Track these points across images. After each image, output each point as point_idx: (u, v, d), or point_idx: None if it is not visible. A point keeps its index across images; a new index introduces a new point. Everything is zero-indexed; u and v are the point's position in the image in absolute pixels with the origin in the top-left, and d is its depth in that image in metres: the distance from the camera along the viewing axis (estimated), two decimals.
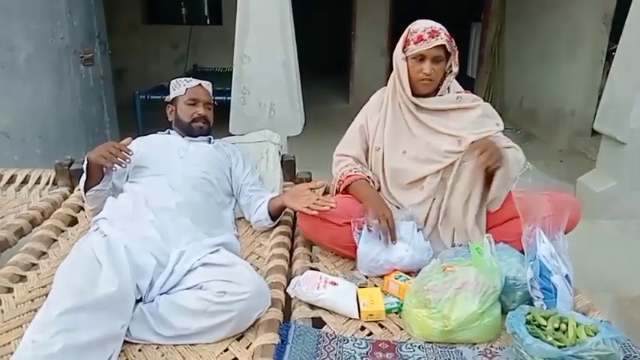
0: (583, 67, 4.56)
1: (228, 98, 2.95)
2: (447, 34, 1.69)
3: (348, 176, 1.82)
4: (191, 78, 2.09)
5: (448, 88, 1.79)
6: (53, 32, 3.05)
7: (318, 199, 1.73)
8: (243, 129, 2.79)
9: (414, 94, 1.76)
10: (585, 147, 4.50)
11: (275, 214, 1.92)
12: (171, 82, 2.08)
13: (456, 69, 1.74)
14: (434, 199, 1.76)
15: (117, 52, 4.42)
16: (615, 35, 3.62)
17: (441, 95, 1.78)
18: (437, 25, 1.70)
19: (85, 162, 1.74)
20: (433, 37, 1.66)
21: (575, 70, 4.64)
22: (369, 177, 1.82)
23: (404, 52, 1.74)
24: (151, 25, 6.52)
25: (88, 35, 3.28)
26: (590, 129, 4.15)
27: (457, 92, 1.80)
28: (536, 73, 5.29)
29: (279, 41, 2.79)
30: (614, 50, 3.21)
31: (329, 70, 7.72)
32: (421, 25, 1.71)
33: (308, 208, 1.72)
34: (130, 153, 1.68)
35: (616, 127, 3.06)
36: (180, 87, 2.03)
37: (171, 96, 2.06)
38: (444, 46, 1.67)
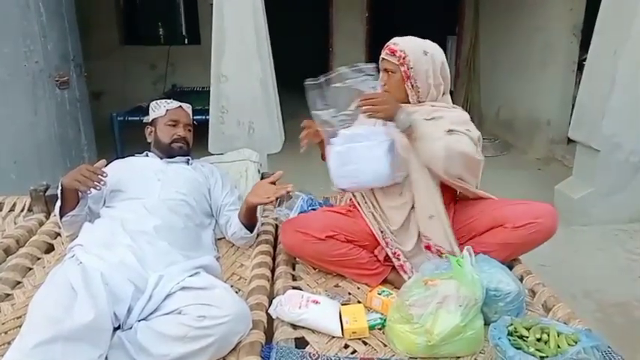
0: (556, 77, 4.67)
1: (207, 117, 2.94)
2: (394, 47, 1.73)
3: None
4: (171, 100, 2.09)
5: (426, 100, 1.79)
6: (27, 56, 3.02)
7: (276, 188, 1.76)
8: (222, 148, 2.78)
9: None
10: (562, 155, 4.58)
11: (247, 221, 1.89)
12: (151, 103, 2.07)
13: (407, 82, 1.73)
14: (413, 207, 1.75)
15: (94, 74, 4.39)
16: (586, 45, 3.72)
17: (419, 104, 1.77)
18: (395, 40, 1.77)
19: (60, 187, 1.71)
20: (383, 50, 1.78)
21: (549, 80, 4.74)
22: None
23: None
24: (128, 46, 6.50)
25: (63, 58, 3.25)
26: (566, 137, 4.24)
27: (432, 104, 1.78)
28: (511, 83, 5.39)
29: (255, 59, 2.80)
30: (585, 60, 3.29)
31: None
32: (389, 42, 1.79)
33: (268, 197, 1.74)
34: (105, 175, 1.65)
35: (590, 135, 3.13)
36: (160, 108, 2.02)
37: (151, 117, 2.05)
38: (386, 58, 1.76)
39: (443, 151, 1.58)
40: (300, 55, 8.22)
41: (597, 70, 3.09)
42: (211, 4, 2.80)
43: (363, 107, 1.58)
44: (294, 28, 8.01)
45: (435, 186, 1.70)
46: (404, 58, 1.72)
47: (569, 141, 4.04)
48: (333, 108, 1.64)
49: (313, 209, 2.08)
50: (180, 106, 2.04)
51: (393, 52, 1.74)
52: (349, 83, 1.60)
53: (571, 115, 3.43)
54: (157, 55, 6.38)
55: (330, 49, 6.49)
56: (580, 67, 4.31)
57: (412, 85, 1.74)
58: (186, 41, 6.85)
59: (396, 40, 1.77)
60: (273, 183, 1.85)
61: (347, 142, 1.64)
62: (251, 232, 1.92)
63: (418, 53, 1.73)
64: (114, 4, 6.32)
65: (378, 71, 1.75)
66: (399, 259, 1.74)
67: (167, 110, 2.01)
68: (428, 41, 1.80)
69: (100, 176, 1.64)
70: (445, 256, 1.64)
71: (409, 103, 1.78)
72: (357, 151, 1.63)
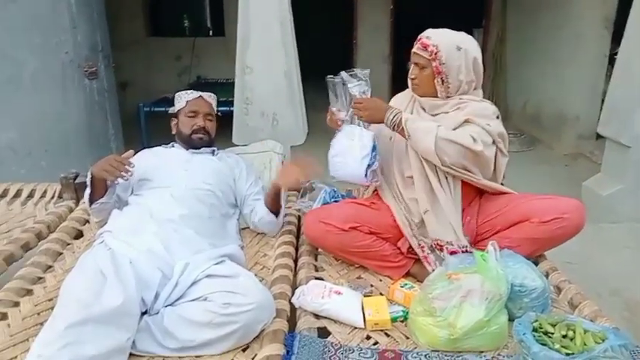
0: (586, 70, 4.56)
1: (232, 109, 2.96)
2: (426, 41, 1.70)
3: None
4: (192, 90, 2.11)
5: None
6: (57, 47, 3.08)
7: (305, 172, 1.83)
8: (246, 139, 2.79)
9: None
10: (590, 151, 4.48)
11: (272, 207, 1.93)
12: (175, 95, 2.10)
13: (437, 78, 1.71)
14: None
15: (121, 65, 4.46)
16: (617, 38, 3.62)
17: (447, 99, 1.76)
18: (426, 33, 1.73)
19: (89, 176, 1.75)
20: (415, 44, 1.75)
21: (578, 73, 4.63)
22: None
23: None
24: (154, 38, 6.57)
25: (92, 49, 3.30)
26: (594, 133, 4.14)
27: (460, 96, 1.76)
28: (538, 77, 5.28)
29: (280, 51, 2.80)
30: (617, 53, 3.20)
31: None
32: (422, 34, 1.75)
33: (297, 180, 1.81)
34: (132, 166, 1.68)
35: (620, 131, 3.05)
36: (181, 100, 2.05)
37: (175, 109, 2.08)
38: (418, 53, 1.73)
39: (433, 145, 1.61)
40: (325, 48, 8.21)
41: (630, 63, 3.00)
42: None
43: (354, 110, 1.71)
44: (319, 21, 8.00)
45: (434, 181, 1.69)
46: (436, 54, 1.69)
47: (598, 137, 3.94)
48: (340, 105, 1.78)
49: (336, 201, 2.08)
50: (201, 96, 2.05)
51: (425, 47, 1.71)
52: (348, 85, 1.73)
53: (600, 110, 3.34)
54: (182, 47, 6.44)
55: (354, 41, 6.45)
56: (611, 61, 4.20)
57: (442, 81, 1.72)
58: (211, 33, 6.90)
59: (429, 33, 1.73)
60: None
61: (342, 137, 1.75)
62: (277, 216, 1.94)
63: (451, 48, 1.69)
64: None
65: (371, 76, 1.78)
66: (423, 251, 1.74)
67: (187, 102, 2.03)
68: (463, 34, 1.75)
69: (127, 167, 1.67)
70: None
71: (437, 97, 1.76)
72: (342, 147, 1.75)
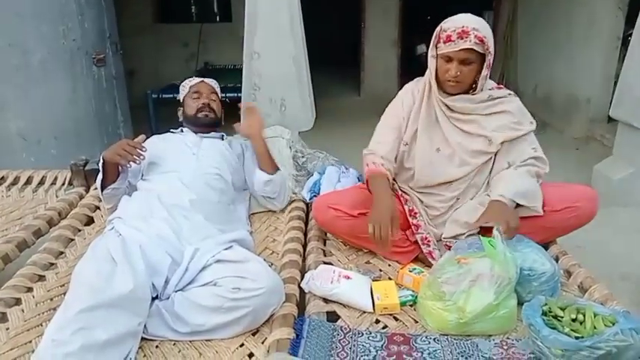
0: (598, 53, 4.47)
1: (240, 95, 2.95)
2: (480, 34, 1.55)
3: (371, 169, 1.73)
4: (193, 77, 2.18)
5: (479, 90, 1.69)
6: (65, 34, 3.08)
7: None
8: None
9: (445, 92, 1.70)
10: (601, 134, 4.42)
11: (267, 165, 2.02)
12: (180, 86, 2.17)
13: (485, 72, 1.63)
14: (457, 199, 1.75)
15: (128, 52, 4.45)
16: (631, 19, 3.55)
17: (474, 94, 1.69)
18: (469, 24, 1.56)
19: (101, 161, 1.77)
20: (462, 39, 1.55)
21: (590, 56, 4.55)
22: (389, 170, 1.75)
23: (436, 49, 1.66)
24: (161, 24, 6.55)
25: (100, 36, 3.31)
26: (606, 116, 4.09)
27: (489, 89, 1.72)
28: (550, 60, 5.20)
29: (288, 37, 2.77)
30: (630, 35, 3.14)
31: (339, 62, 7.69)
32: (452, 24, 1.59)
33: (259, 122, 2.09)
34: (144, 149, 1.71)
35: (633, 114, 3.01)
36: (185, 88, 2.13)
37: (180, 98, 2.14)
38: (474, 48, 1.56)
39: (540, 202, 1.64)
40: (332, 32, 8.14)
41: None
42: None
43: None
44: (327, 5, 7.92)
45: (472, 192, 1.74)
46: (488, 47, 1.58)
47: (609, 120, 3.89)
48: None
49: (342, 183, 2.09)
50: (203, 80, 2.14)
51: (481, 41, 1.55)
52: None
53: (613, 92, 3.29)
54: (189, 33, 6.42)
55: (362, 25, 6.38)
56: (625, 43, 4.12)
57: (486, 76, 1.64)
58: (217, 19, 6.86)
59: (469, 24, 1.56)
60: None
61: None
62: (270, 174, 2.00)
63: (490, 35, 1.60)
64: None
65: None
66: (428, 246, 1.73)
67: (190, 87, 2.10)
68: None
69: (139, 150, 1.69)
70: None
71: (468, 93, 1.69)
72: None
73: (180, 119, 2.13)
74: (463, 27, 1.57)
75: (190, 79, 2.17)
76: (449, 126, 1.72)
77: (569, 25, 4.80)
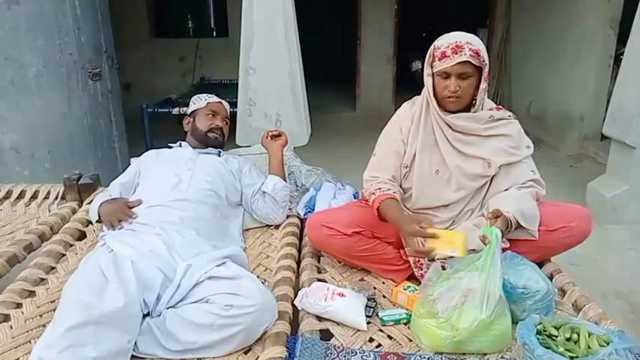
0: (591, 71, 4.53)
1: (235, 110, 2.96)
2: (474, 47, 1.58)
3: (378, 195, 1.68)
4: (213, 95, 2.19)
5: (479, 107, 1.70)
6: (61, 48, 3.08)
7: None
8: (249, 140, 2.80)
9: (445, 111, 1.70)
10: (595, 151, 4.46)
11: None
12: (193, 97, 2.19)
13: (483, 85, 1.64)
14: (454, 221, 1.75)
15: (125, 66, 4.47)
16: (623, 38, 3.60)
17: (475, 112, 1.70)
18: (462, 39, 1.59)
19: (96, 216, 1.83)
20: (457, 53, 1.57)
21: (583, 74, 4.60)
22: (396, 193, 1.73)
23: (431, 67, 1.66)
24: (158, 39, 6.58)
25: (96, 50, 3.31)
26: (599, 133, 4.12)
27: (489, 109, 1.73)
28: (543, 77, 5.26)
29: (284, 52, 2.80)
30: (622, 54, 3.18)
31: (335, 77, 7.75)
32: (445, 41, 1.61)
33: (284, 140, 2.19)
34: (135, 217, 1.71)
35: (625, 131, 3.04)
36: (201, 101, 2.13)
37: (191, 109, 2.14)
38: (470, 61, 1.58)
39: (537, 226, 1.65)
40: (329, 48, 8.21)
41: (635, 64, 2.98)
42: None
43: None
44: (323, 21, 8.00)
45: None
46: (484, 59, 1.60)
47: (603, 137, 3.92)
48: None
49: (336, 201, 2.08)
50: (221, 102, 2.15)
51: (477, 54, 1.57)
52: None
53: (606, 110, 3.32)
54: (185, 48, 6.45)
55: (358, 42, 6.44)
56: (617, 62, 4.17)
57: (485, 89, 1.65)
58: (214, 34, 6.90)
59: (462, 39, 1.59)
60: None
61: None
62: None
63: (484, 48, 1.62)
64: None
65: None
66: (420, 269, 1.72)
67: (208, 102, 2.11)
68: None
69: (131, 217, 1.71)
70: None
71: (467, 112, 1.70)
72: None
73: (186, 129, 2.13)
74: (456, 42, 1.59)
75: (208, 94, 2.17)
76: (447, 147, 1.72)
77: (561, 44, 4.86)
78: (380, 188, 1.69)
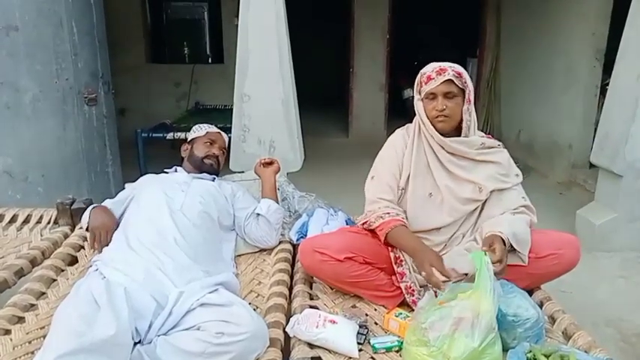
0: (578, 100, 4.63)
1: (229, 135, 3.00)
2: (457, 70, 1.70)
3: (389, 220, 1.72)
4: (213, 126, 2.30)
5: (469, 129, 1.77)
6: (58, 73, 3.12)
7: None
8: (243, 166, 2.82)
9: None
10: (584, 179, 4.52)
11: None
12: (194, 126, 2.30)
13: (466, 106, 1.72)
14: (445, 245, 1.77)
15: (120, 91, 4.50)
16: (608, 69, 3.69)
17: (465, 136, 1.76)
18: (445, 64, 1.72)
19: (86, 224, 1.94)
20: (440, 75, 1.68)
21: (571, 103, 4.70)
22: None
23: (419, 93, 1.77)
24: (154, 65, 6.66)
25: (92, 76, 3.35)
26: (588, 161, 4.18)
27: (481, 137, 1.80)
28: (532, 106, 5.36)
29: (278, 80, 2.85)
30: (608, 84, 3.27)
31: (328, 103, 7.85)
32: (430, 67, 1.73)
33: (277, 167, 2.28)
34: (100, 251, 1.80)
35: (612, 160, 3.09)
36: (201, 130, 2.23)
37: (191, 137, 2.24)
38: (453, 81, 1.68)
39: (527, 251, 1.68)
40: (322, 75, 8.34)
41: (620, 94, 3.06)
42: (236, 25, 2.87)
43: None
44: (317, 50, 8.15)
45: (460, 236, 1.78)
46: (465, 82, 1.71)
47: (591, 165, 3.98)
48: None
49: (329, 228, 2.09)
50: (220, 132, 2.25)
51: (459, 75, 1.69)
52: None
53: (593, 139, 3.39)
54: (181, 74, 6.52)
55: (351, 69, 6.55)
56: (603, 92, 4.27)
57: (469, 110, 1.73)
58: (210, 60, 7.00)
59: (444, 63, 1.72)
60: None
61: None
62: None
63: (466, 73, 1.74)
64: (141, 24, 6.49)
65: None
66: (412, 295, 1.73)
67: (207, 132, 2.21)
68: None
69: (102, 246, 1.81)
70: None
71: (460, 135, 1.76)
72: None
73: (184, 155, 2.21)
74: (440, 66, 1.71)
75: (208, 125, 2.29)
76: (439, 171, 1.76)
77: (549, 74, 4.98)
78: (389, 213, 1.73)
